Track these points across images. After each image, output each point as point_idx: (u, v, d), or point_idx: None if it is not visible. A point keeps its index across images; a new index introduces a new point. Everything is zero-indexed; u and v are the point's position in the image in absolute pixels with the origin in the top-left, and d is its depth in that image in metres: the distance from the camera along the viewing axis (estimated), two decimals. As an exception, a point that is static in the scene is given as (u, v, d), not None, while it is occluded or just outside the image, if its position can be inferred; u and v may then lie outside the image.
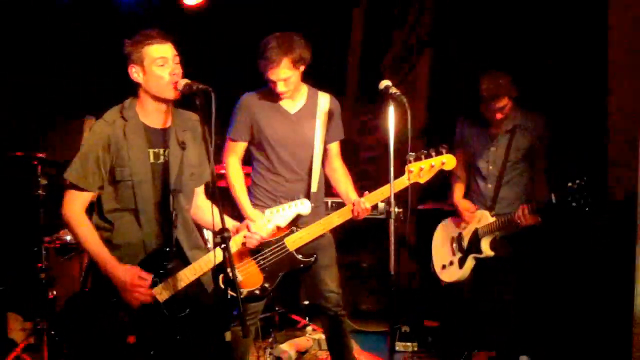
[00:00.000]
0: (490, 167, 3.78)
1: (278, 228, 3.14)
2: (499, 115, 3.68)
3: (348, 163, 3.55)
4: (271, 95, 3.35)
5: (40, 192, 4.09)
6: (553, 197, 3.39)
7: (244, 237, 2.88)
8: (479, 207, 3.82)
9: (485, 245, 3.72)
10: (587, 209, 3.30)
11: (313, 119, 3.39)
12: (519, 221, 3.52)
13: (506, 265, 3.75)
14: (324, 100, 3.43)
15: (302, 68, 3.24)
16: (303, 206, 3.05)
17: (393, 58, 5.83)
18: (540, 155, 3.71)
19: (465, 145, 3.89)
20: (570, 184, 3.32)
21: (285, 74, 3.19)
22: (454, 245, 3.90)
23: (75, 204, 2.69)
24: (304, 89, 3.41)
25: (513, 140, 3.72)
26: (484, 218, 3.75)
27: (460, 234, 3.88)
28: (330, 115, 3.42)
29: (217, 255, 2.55)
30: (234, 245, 2.74)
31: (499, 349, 3.89)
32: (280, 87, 3.23)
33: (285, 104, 3.37)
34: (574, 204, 3.31)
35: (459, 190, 3.93)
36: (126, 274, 2.62)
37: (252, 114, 3.33)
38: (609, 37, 3.75)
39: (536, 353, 4.01)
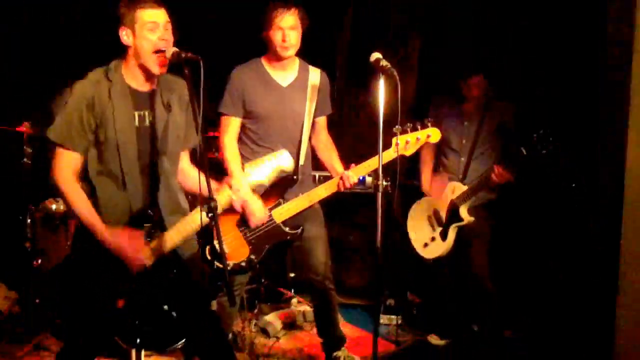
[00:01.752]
0: (464, 142, 3.92)
1: (265, 199, 3.16)
2: (475, 92, 3.83)
3: (336, 141, 3.57)
4: (262, 67, 3.36)
5: (25, 160, 4.07)
6: (523, 150, 3.52)
7: (228, 196, 2.77)
8: (451, 179, 3.92)
9: (464, 212, 3.82)
10: (555, 154, 3.48)
11: (304, 93, 3.40)
12: (495, 179, 3.63)
13: (481, 235, 3.86)
14: (315, 75, 3.45)
15: (301, 29, 3.27)
16: (283, 157, 2.85)
17: (384, 38, 5.79)
18: (510, 137, 3.84)
19: (439, 124, 3.93)
20: (535, 135, 3.47)
21: (295, 22, 3.21)
22: (432, 221, 3.97)
23: (65, 168, 2.63)
24: (296, 61, 3.41)
25: (486, 116, 3.87)
26: (457, 188, 3.86)
27: (436, 210, 3.96)
28: (320, 89, 3.44)
29: (203, 216, 2.49)
30: (218, 205, 2.59)
31: (482, 323, 3.95)
32: (291, 38, 3.22)
33: (276, 76, 3.37)
34: (543, 152, 3.46)
35: (425, 177, 4.05)
36: (117, 237, 2.59)
37: (243, 87, 3.32)
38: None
39: (520, 328, 4.09)
